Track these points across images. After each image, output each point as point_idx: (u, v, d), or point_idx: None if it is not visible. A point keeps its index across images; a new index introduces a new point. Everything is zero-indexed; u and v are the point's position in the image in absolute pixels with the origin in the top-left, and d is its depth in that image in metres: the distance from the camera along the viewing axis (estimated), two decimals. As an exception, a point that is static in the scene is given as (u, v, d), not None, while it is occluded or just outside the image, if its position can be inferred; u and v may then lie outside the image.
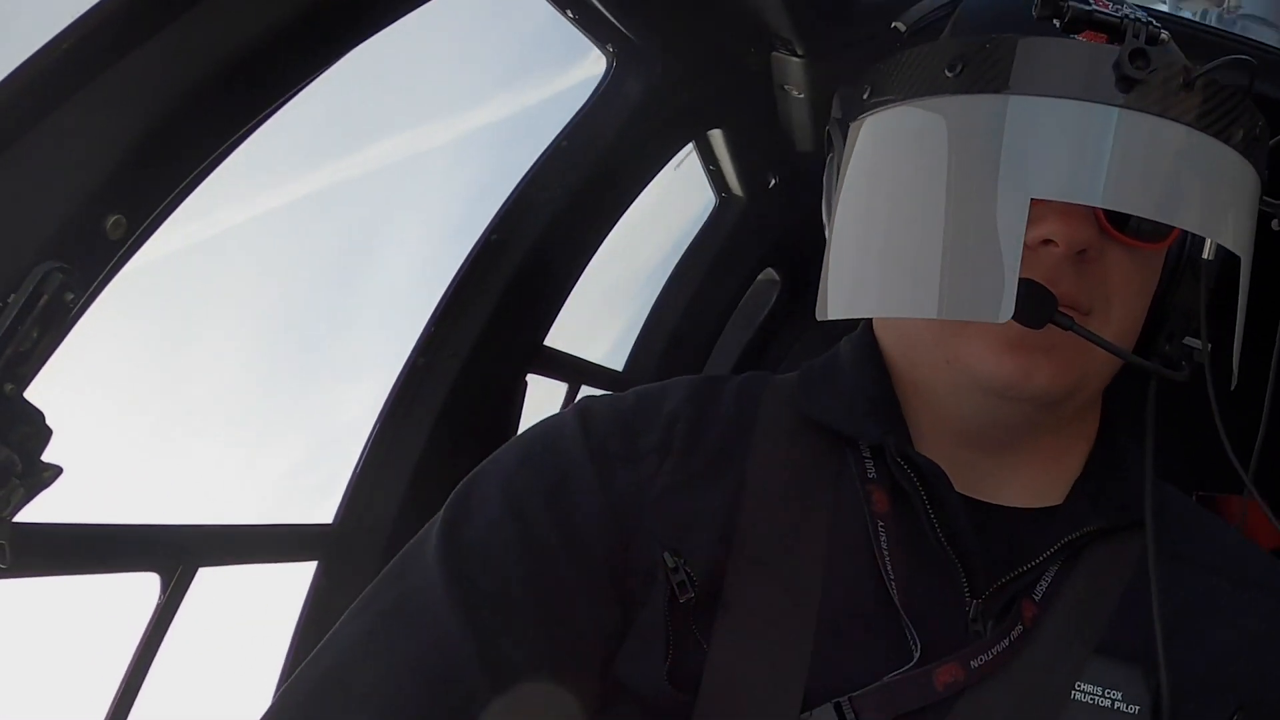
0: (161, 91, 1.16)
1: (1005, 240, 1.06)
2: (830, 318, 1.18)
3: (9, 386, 1.13)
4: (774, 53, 2.56)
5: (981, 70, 1.10)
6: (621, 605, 1.29)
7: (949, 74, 1.12)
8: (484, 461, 1.35)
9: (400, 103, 2.29)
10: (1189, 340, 1.30)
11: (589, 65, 2.52)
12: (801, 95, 2.68)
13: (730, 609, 1.27)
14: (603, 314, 3.44)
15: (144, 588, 1.75)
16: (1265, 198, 1.26)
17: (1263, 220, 1.30)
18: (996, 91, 1.09)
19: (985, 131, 1.10)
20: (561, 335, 2.81)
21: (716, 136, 2.97)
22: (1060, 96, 1.07)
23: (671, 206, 3.34)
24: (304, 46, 1.26)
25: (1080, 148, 1.08)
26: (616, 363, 3.44)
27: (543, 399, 2.82)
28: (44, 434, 1.19)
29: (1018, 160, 1.08)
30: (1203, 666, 1.27)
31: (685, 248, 3.49)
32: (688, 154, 2.97)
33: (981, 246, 1.08)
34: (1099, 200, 1.09)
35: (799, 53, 2.52)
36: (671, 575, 1.27)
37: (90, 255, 1.16)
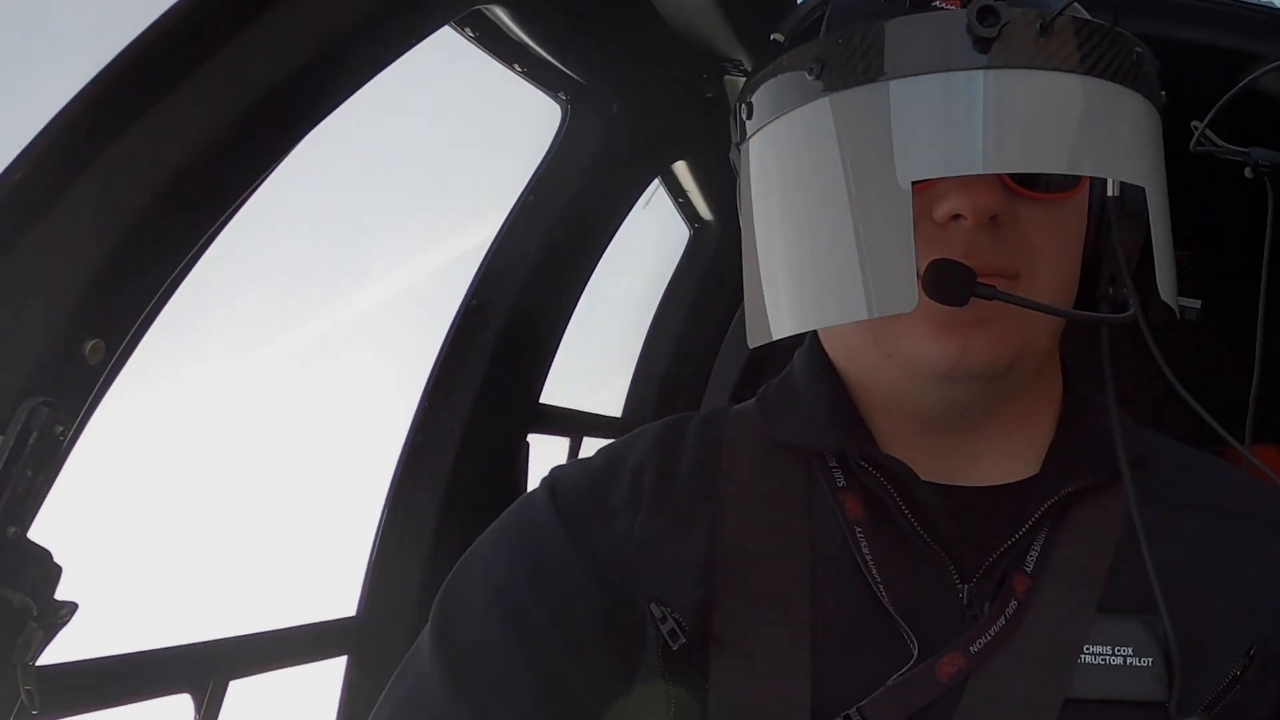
0: (118, 209, 1.14)
1: (897, 229, 1.05)
2: (759, 343, 1.17)
3: (12, 530, 1.10)
4: (726, 76, 2.55)
5: (839, 66, 1.09)
6: (619, 661, 1.30)
7: (809, 77, 1.11)
8: (467, 551, 1.38)
9: (361, 187, 2.27)
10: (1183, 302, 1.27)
11: (544, 115, 2.50)
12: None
13: (725, 645, 1.27)
14: (600, 359, 3.43)
15: (177, 708, 1.73)
16: (1232, 147, 1.24)
17: (1237, 170, 1.29)
18: (858, 84, 1.08)
19: (855, 125, 1.09)
20: (562, 388, 2.79)
21: (681, 168, 2.96)
22: (918, 74, 1.06)
23: (650, 244, 3.32)
24: (255, 144, 1.25)
25: (949, 118, 1.07)
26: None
27: (549, 455, 2.81)
28: (54, 573, 1.16)
29: (891, 146, 1.07)
30: (1217, 605, 1.26)
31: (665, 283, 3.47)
32: (655, 190, 2.95)
33: (879, 240, 1.07)
34: (979, 167, 1.07)
35: (750, 72, 2.51)
36: (660, 625, 1.27)
37: (73, 384, 1.14)
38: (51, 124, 1.07)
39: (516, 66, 2.23)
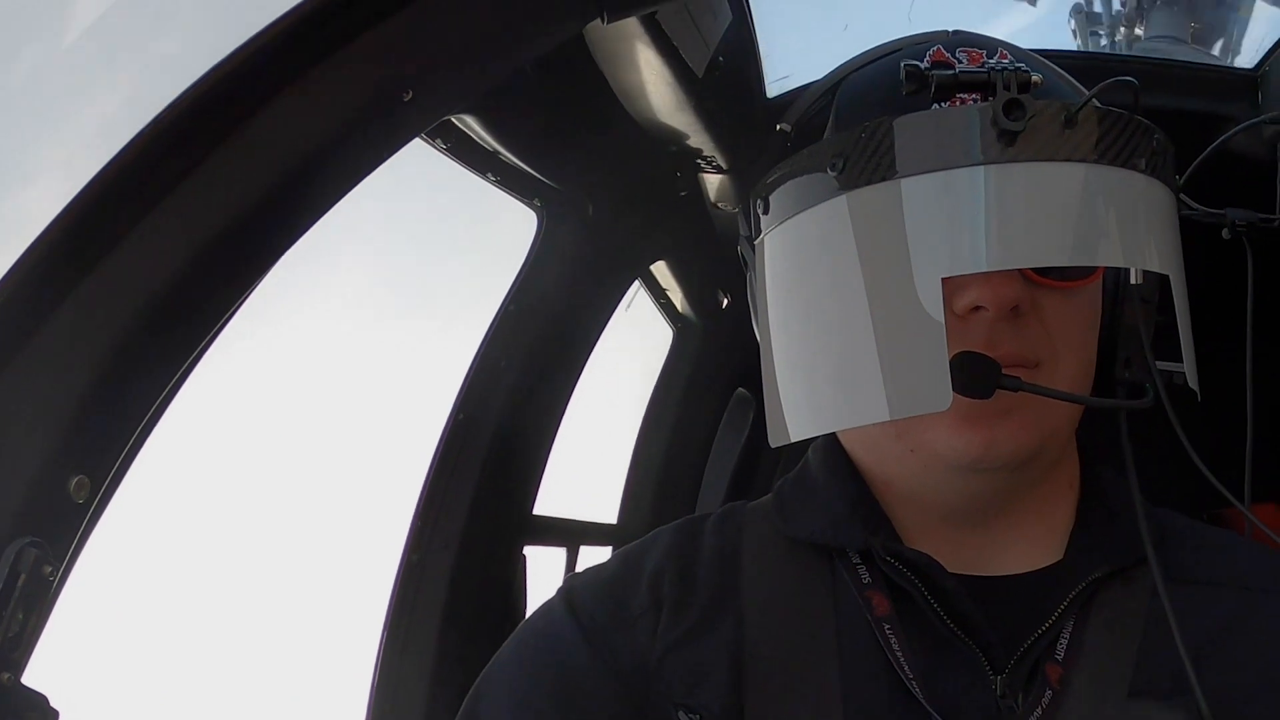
0: (96, 340, 1.13)
1: (927, 328, 1.04)
2: (781, 443, 1.16)
3: (5, 676, 1.07)
4: (701, 173, 2.55)
5: (863, 161, 1.09)
6: None
7: (832, 173, 1.10)
8: (486, 668, 1.36)
9: (339, 303, 2.26)
10: (1165, 366, 1.27)
11: (521, 221, 2.50)
12: (736, 209, 2.68)
13: None
14: (592, 463, 3.41)
15: None
16: (1208, 209, 1.24)
17: (1215, 232, 1.28)
18: (883, 180, 1.07)
19: (880, 222, 1.08)
20: (556, 495, 2.77)
21: (660, 267, 2.96)
22: (945, 168, 1.06)
23: (635, 345, 3.32)
24: (231, 266, 1.23)
25: (977, 213, 1.06)
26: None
27: (547, 567, 2.78)
28: (50, 718, 1.13)
29: (919, 243, 1.06)
30: (1248, 681, 1.24)
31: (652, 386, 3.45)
32: (636, 291, 2.94)
33: (907, 338, 1.06)
34: (1008, 262, 1.07)
35: (724, 168, 2.52)
36: None
37: (60, 523, 1.11)
38: (23, 258, 1.06)
39: (490, 175, 2.23)
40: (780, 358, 1.19)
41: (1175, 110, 2.23)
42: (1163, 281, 1.18)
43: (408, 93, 1.22)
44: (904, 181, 1.06)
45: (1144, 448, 1.23)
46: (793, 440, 1.15)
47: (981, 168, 1.05)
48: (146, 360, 1.18)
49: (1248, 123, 1.51)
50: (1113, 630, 1.26)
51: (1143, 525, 1.19)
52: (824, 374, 1.15)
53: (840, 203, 1.10)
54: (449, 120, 1.87)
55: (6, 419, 1.08)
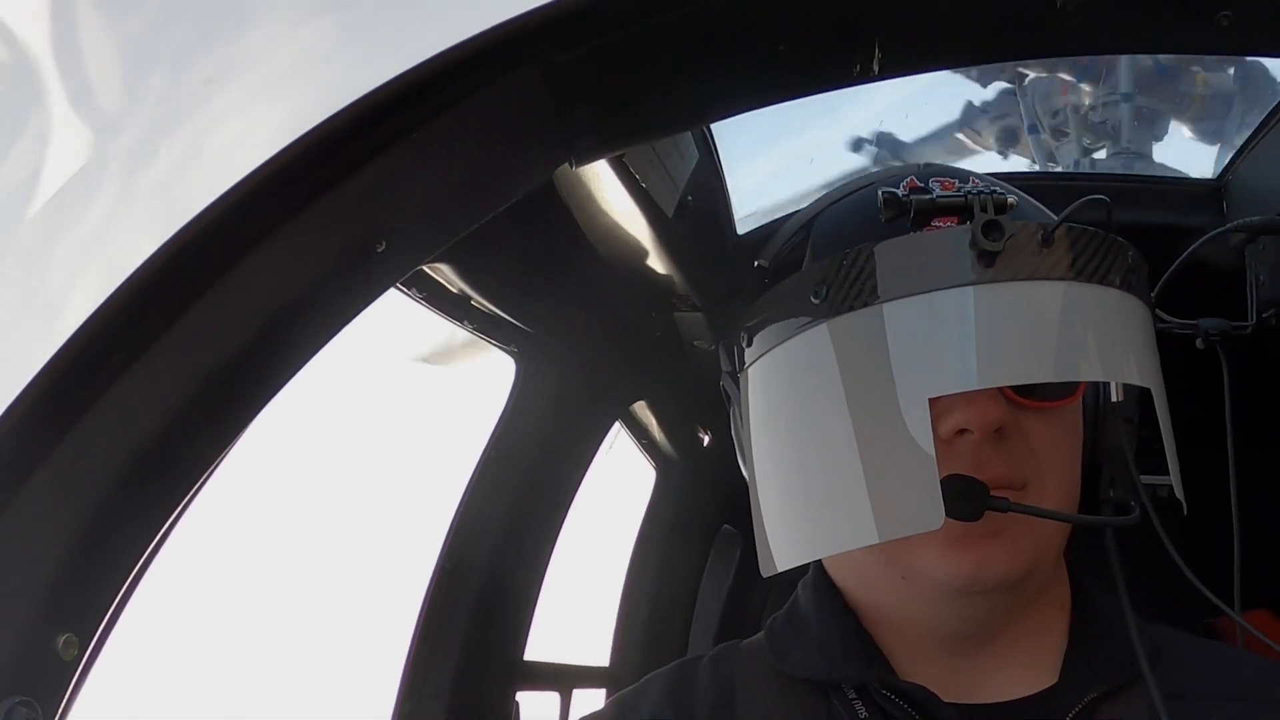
0: (79, 496, 1.12)
1: (916, 449, 1.05)
2: (775, 572, 1.16)
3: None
4: (675, 313, 2.57)
5: (845, 287, 1.10)
6: None
7: (814, 300, 1.12)
8: None
9: (316, 452, 2.26)
10: (1149, 480, 1.28)
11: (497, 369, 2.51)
12: (713, 347, 2.69)
13: None
14: (582, 605, 3.39)
15: None
16: (1181, 321, 1.26)
17: (1189, 342, 1.30)
18: (865, 305, 1.09)
19: (865, 347, 1.10)
20: (550, 638, 2.75)
21: (640, 407, 2.96)
22: (925, 291, 1.08)
23: (619, 485, 3.32)
24: (212, 420, 1.23)
25: (959, 334, 1.08)
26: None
27: (541, 713, 2.76)
28: None
29: (904, 366, 1.08)
30: None
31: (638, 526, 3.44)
32: (617, 433, 2.94)
33: (896, 460, 1.07)
34: (993, 380, 1.10)
35: (698, 306, 2.54)
36: None
37: (49, 681, 1.10)
38: (5, 417, 1.06)
39: (466, 323, 2.24)
40: (767, 487, 1.20)
41: (1142, 225, 2.27)
42: (1142, 395, 1.19)
43: (381, 244, 1.24)
44: (886, 306, 1.08)
45: (1132, 561, 1.23)
46: (782, 569, 1.15)
47: (963, 289, 1.07)
48: (130, 517, 1.17)
49: (1214, 232, 1.53)
50: None
51: (1136, 642, 1.19)
52: (812, 500, 1.16)
53: (823, 330, 1.12)
54: (423, 269, 1.89)
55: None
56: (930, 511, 1.03)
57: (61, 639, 1.10)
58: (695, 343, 2.70)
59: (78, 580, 1.12)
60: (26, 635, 1.08)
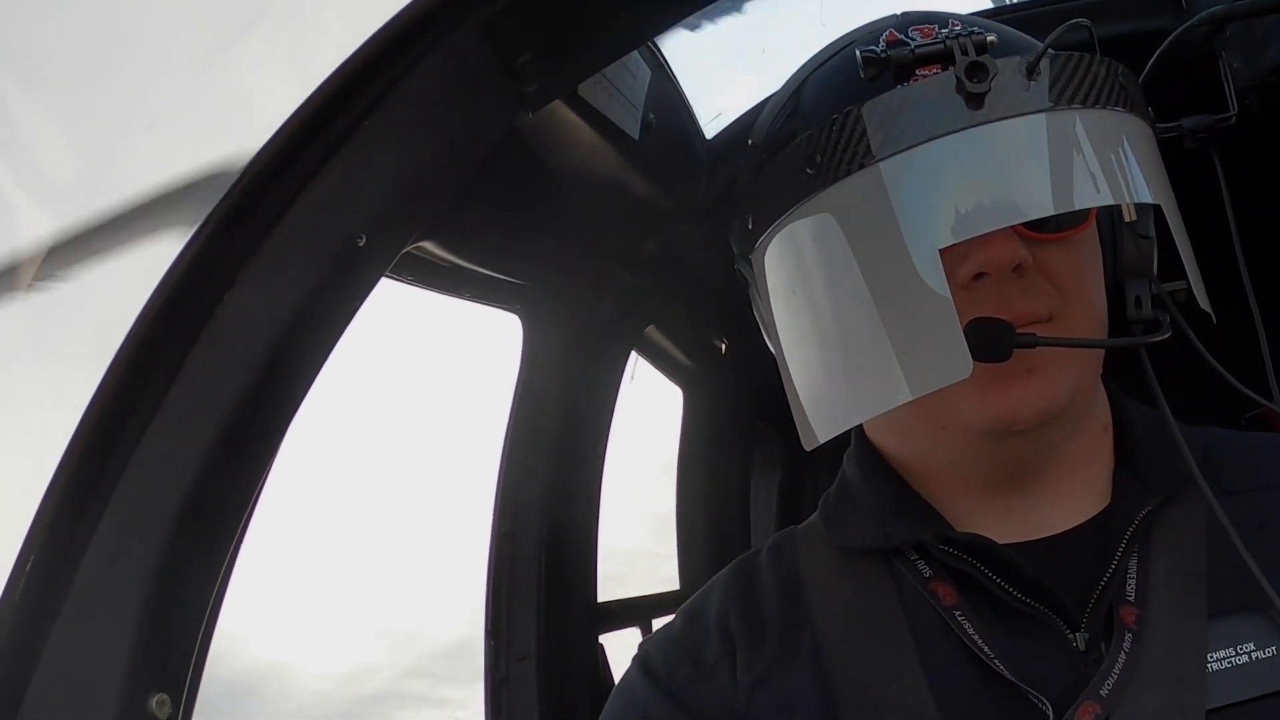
0: (144, 542, 1.13)
1: (934, 300, 1.05)
2: (818, 443, 1.16)
3: None
4: (662, 228, 2.56)
5: (837, 153, 1.10)
6: None
7: (810, 171, 1.12)
8: None
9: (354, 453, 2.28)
10: (1168, 287, 1.29)
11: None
12: (708, 252, 2.69)
13: None
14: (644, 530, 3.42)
15: None
16: (1164, 125, 1.25)
17: (1178, 148, 1.29)
18: (861, 167, 1.09)
19: (868, 208, 1.09)
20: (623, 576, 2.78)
21: (653, 331, 2.96)
22: (920, 143, 1.07)
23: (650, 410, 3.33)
24: (242, 455, 1.23)
25: (959, 180, 1.07)
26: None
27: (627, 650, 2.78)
28: None
29: (909, 220, 1.07)
30: None
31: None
32: (635, 362, 2.95)
33: (916, 315, 1.08)
34: (1000, 221, 1.08)
35: (684, 216, 2.54)
36: None
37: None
38: (57, 476, 1.07)
39: (464, 293, 2.23)
40: (796, 362, 1.20)
41: (1105, 38, 2.25)
42: (1156, 209, 1.19)
43: (361, 237, 1.23)
44: (883, 164, 1.08)
45: (1165, 374, 1.23)
46: (823, 440, 1.15)
47: (956, 135, 1.06)
48: (193, 558, 1.18)
49: (1180, 28, 1.52)
50: (1177, 558, 1.26)
51: (1184, 448, 1.20)
52: (841, 368, 1.16)
53: (825, 197, 1.12)
54: (408, 252, 1.88)
55: (83, 645, 1.08)
56: (957, 360, 1.03)
57: (154, 699, 1.11)
58: (690, 252, 2.69)
59: (158, 634, 1.13)
60: (121, 705, 1.09)
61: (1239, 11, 1.74)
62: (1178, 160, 1.28)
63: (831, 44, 1.34)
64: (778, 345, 1.23)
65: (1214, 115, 1.44)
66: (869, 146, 1.08)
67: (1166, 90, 1.34)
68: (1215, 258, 1.33)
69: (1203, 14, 1.74)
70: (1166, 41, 1.34)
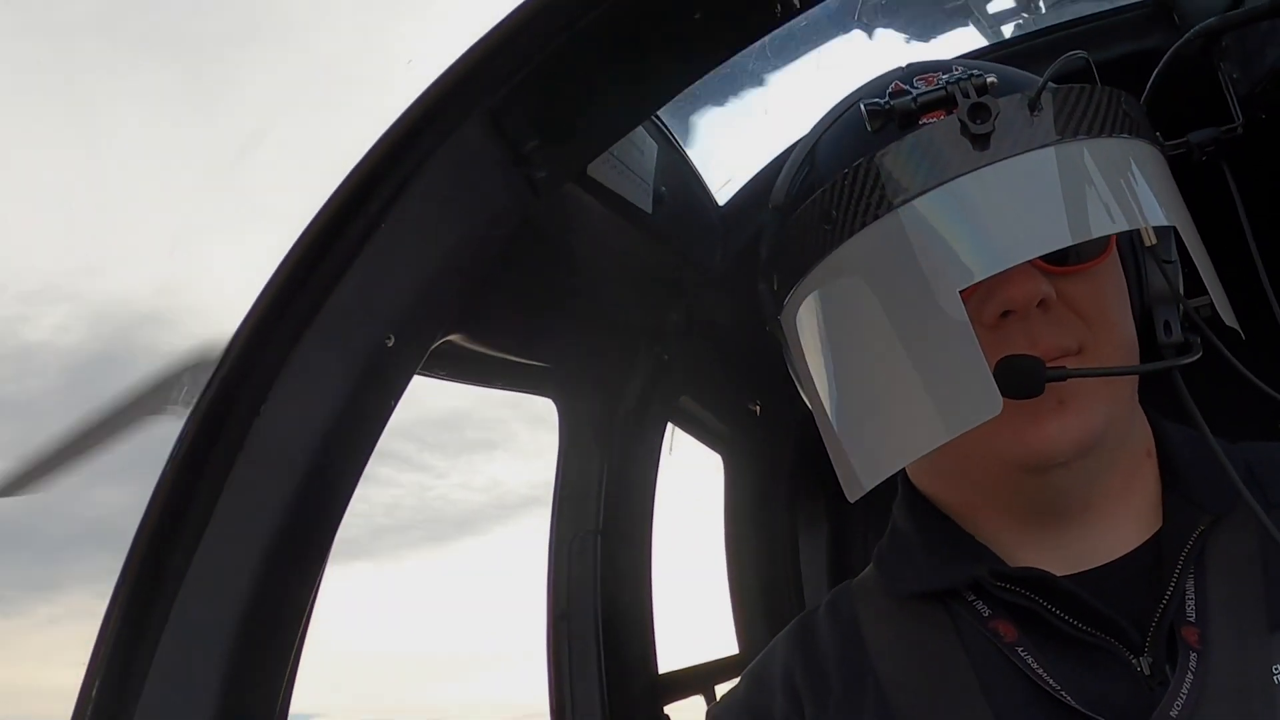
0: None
1: (959, 340, 1.06)
2: (863, 492, 1.15)
3: None
4: (685, 299, 2.57)
5: (852, 206, 1.12)
6: None
7: (828, 226, 1.13)
8: None
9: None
10: (1192, 303, 1.27)
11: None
12: (731, 319, 2.70)
13: None
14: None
15: None
16: (1172, 143, 1.25)
17: (1187, 164, 1.29)
18: (876, 217, 1.10)
19: (887, 257, 1.11)
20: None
21: (687, 402, 2.96)
22: (932, 187, 1.08)
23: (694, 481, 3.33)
24: (295, 570, 1.25)
25: (973, 220, 1.08)
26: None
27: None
28: None
29: (927, 264, 1.08)
30: None
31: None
32: (673, 433, 2.95)
33: (943, 357, 1.08)
34: (1015, 257, 1.08)
35: (704, 284, 2.55)
36: None
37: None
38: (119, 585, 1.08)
39: (497, 383, 2.25)
40: (834, 414, 1.20)
41: (1103, 63, 2.26)
42: (1177, 234, 1.19)
43: (390, 338, 1.25)
44: (895, 212, 1.09)
45: (1204, 392, 1.23)
46: (867, 489, 1.15)
47: (965, 177, 1.07)
48: (255, 675, 1.19)
49: (1176, 44, 1.52)
50: (1234, 576, 1.26)
51: (1228, 467, 1.19)
52: (877, 416, 1.16)
53: (844, 250, 1.13)
54: (438, 347, 1.90)
55: None
56: (987, 397, 1.04)
57: None
58: (714, 321, 2.70)
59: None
60: None
61: (1232, 22, 1.75)
62: (1190, 176, 1.28)
63: (841, 101, 1.36)
64: (815, 400, 1.23)
65: (1219, 127, 1.44)
66: (881, 196, 1.10)
67: (1170, 107, 1.34)
68: (1240, 269, 1.33)
69: (1196, 28, 1.74)
70: (1164, 60, 1.35)
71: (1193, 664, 1.20)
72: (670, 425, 2.92)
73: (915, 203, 1.09)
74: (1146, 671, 1.22)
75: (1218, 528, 1.29)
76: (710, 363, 2.90)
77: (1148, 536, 1.31)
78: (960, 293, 1.07)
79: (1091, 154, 1.10)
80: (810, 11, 1.53)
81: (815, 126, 1.36)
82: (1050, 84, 1.10)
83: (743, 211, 2.54)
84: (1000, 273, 1.12)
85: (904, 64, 1.36)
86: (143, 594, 1.11)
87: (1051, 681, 1.23)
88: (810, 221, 1.16)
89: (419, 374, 1.75)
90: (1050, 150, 1.08)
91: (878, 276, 1.12)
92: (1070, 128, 1.09)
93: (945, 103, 1.14)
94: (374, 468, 1.27)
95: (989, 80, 1.12)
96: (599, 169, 1.91)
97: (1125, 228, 1.12)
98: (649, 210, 2.14)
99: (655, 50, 1.46)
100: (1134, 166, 1.13)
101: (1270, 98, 2.04)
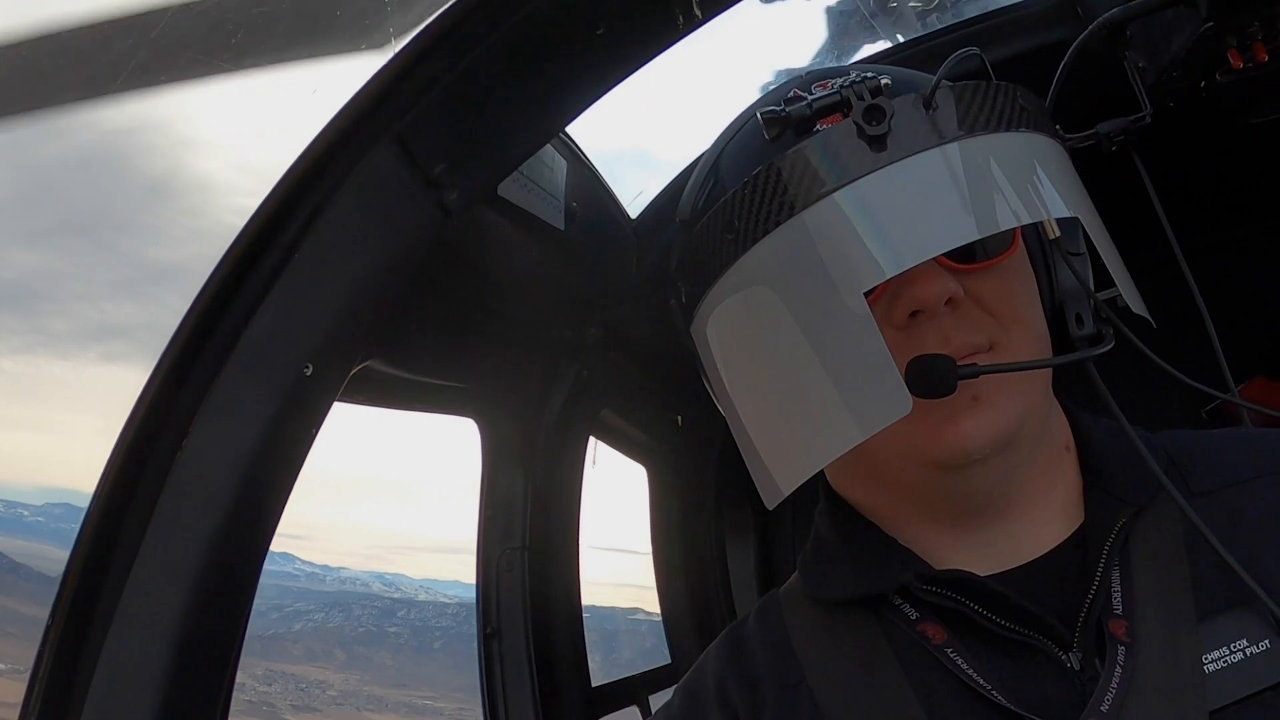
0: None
1: (866, 342, 1.06)
2: (781, 498, 1.16)
3: None
4: (602, 313, 2.58)
5: (753, 213, 1.12)
6: None
7: (730, 236, 1.14)
8: None
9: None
10: (1101, 295, 1.28)
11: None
12: (648, 332, 2.70)
13: None
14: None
15: None
16: (1081, 135, 1.27)
17: (1097, 154, 1.31)
18: (776, 224, 1.11)
19: (789, 261, 1.11)
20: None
21: (609, 415, 2.97)
22: (829, 191, 1.09)
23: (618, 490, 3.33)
24: (225, 601, 1.25)
25: (873, 221, 1.08)
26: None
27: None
28: None
29: (831, 268, 1.09)
30: None
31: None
32: (595, 446, 2.95)
33: (852, 360, 1.09)
34: (918, 256, 1.09)
35: (620, 298, 2.55)
36: None
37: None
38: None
39: (418, 406, 2.24)
40: (746, 423, 1.21)
41: (1010, 58, 2.28)
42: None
43: (307, 367, 1.25)
44: (795, 218, 1.10)
45: (1124, 381, 1.25)
46: (785, 494, 1.15)
47: (863, 179, 1.08)
48: (188, 711, 1.19)
49: (1081, 36, 1.54)
50: (1160, 567, 1.27)
51: (1147, 457, 1.22)
52: (790, 421, 1.17)
53: (748, 259, 1.13)
54: (358, 373, 1.89)
55: None
56: (897, 397, 1.05)
57: None
58: (631, 332, 2.70)
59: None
60: None
61: (1134, 12, 1.76)
62: (1103, 166, 1.30)
63: (744, 111, 1.37)
64: (730, 410, 1.24)
65: (1127, 117, 1.46)
66: (781, 203, 1.10)
67: (1081, 100, 1.36)
68: (1158, 256, 1.35)
69: (1100, 19, 1.76)
70: (1069, 52, 1.37)
71: (1121, 657, 1.21)
72: (593, 439, 2.92)
73: (815, 207, 1.09)
74: (1076, 667, 1.23)
75: (1141, 519, 1.29)
76: (630, 376, 2.90)
77: (1071, 531, 1.32)
78: (867, 297, 1.08)
79: (989, 149, 1.11)
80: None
81: (719, 138, 1.37)
82: (946, 82, 1.11)
83: (655, 224, 2.54)
84: (906, 273, 1.13)
85: (804, 73, 1.37)
86: (73, 632, 1.10)
87: (982, 682, 1.24)
88: (714, 233, 1.16)
89: (339, 400, 1.75)
90: (947, 148, 1.09)
91: (782, 283, 1.12)
92: (966, 124, 1.10)
93: (840, 106, 1.15)
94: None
95: (883, 82, 1.13)
96: (510, 188, 1.90)
97: (1026, 221, 1.13)
98: (561, 227, 2.14)
99: (560, 68, 1.46)
100: (1033, 160, 1.14)
101: (1175, 85, 2.06)
